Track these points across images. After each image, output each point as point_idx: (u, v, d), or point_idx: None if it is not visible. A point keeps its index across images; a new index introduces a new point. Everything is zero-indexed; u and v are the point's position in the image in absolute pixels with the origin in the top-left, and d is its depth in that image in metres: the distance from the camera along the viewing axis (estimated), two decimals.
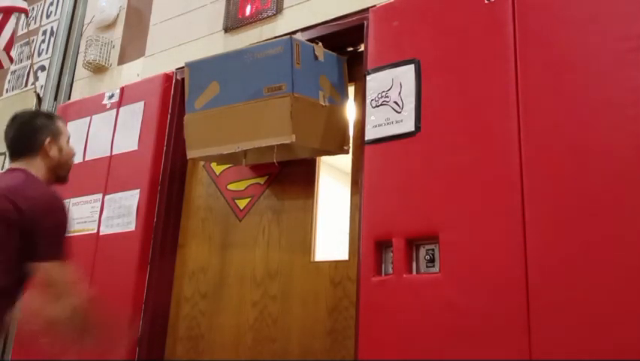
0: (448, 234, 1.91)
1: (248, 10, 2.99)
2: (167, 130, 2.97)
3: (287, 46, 2.39)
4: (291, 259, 2.58)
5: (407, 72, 2.17)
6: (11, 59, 3.84)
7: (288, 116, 2.30)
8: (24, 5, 3.83)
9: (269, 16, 2.89)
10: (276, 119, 2.34)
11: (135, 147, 2.97)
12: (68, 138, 1.94)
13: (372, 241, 2.08)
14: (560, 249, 1.71)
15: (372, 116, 2.22)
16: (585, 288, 1.64)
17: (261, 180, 2.77)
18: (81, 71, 3.82)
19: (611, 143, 1.70)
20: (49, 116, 1.97)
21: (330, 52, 2.54)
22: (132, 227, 2.81)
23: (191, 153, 2.61)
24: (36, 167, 1.83)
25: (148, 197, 2.83)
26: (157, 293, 2.76)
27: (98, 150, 3.13)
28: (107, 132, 3.13)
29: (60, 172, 1.90)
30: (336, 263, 2.48)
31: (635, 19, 1.75)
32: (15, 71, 4.25)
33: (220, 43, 3.05)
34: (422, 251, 2.01)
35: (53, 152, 1.87)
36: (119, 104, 3.16)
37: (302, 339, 2.45)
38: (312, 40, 2.58)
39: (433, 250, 1.98)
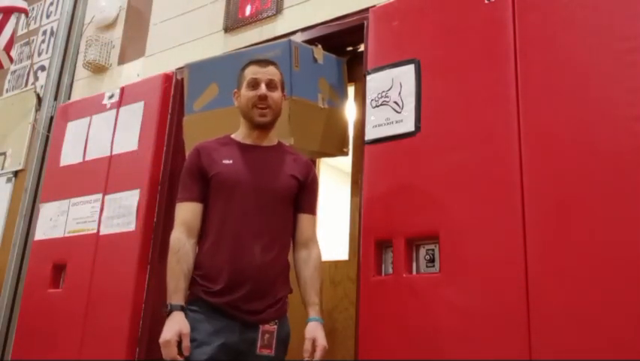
0: (448, 234, 1.91)
1: (248, 10, 2.99)
2: (167, 130, 2.97)
3: (285, 49, 2.39)
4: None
5: (407, 72, 2.17)
6: (11, 59, 3.84)
7: (287, 119, 2.30)
8: (24, 5, 3.83)
9: (269, 16, 2.89)
10: None
11: (135, 147, 2.97)
12: (250, 81, 1.88)
13: (372, 241, 2.08)
14: (560, 249, 1.70)
15: (372, 117, 2.22)
16: (585, 288, 1.64)
17: None
18: (81, 71, 3.82)
19: (611, 143, 1.70)
20: (244, 66, 1.95)
21: (329, 54, 2.54)
22: (132, 227, 2.81)
23: None
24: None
25: (148, 197, 2.83)
26: (157, 293, 2.76)
27: (98, 150, 3.13)
28: (107, 132, 3.13)
29: (248, 118, 1.90)
30: (336, 263, 2.49)
31: (635, 19, 1.75)
32: (15, 71, 4.24)
33: (220, 44, 3.05)
34: (422, 251, 2.01)
35: (237, 102, 1.93)
36: (119, 104, 3.16)
37: (302, 339, 2.45)
38: (312, 41, 2.58)
39: (433, 250, 1.98)
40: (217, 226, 1.81)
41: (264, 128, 1.90)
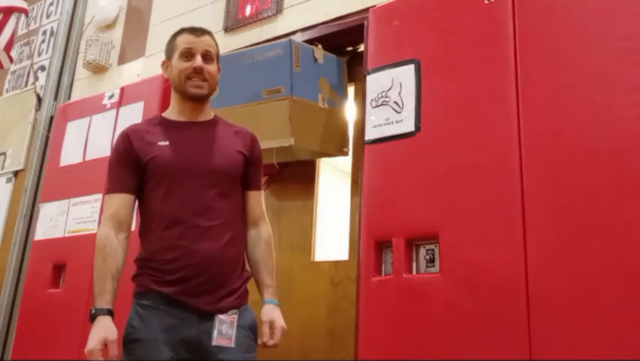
0: (448, 234, 1.91)
1: (248, 10, 2.99)
2: None
3: (286, 49, 2.39)
4: (291, 259, 2.58)
5: (407, 72, 2.17)
6: (11, 59, 3.84)
7: (287, 119, 2.30)
8: (24, 5, 3.83)
9: (269, 16, 2.89)
10: (275, 121, 2.34)
11: None
12: (184, 51, 1.69)
13: (372, 241, 2.08)
14: (560, 249, 1.71)
15: (372, 117, 2.22)
16: (585, 288, 1.64)
17: None
18: (81, 71, 3.82)
19: (611, 143, 1.70)
20: (175, 34, 1.76)
21: (329, 54, 2.54)
22: (132, 227, 2.80)
23: None
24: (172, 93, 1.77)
25: None
26: None
27: (98, 150, 3.13)
28: (107, 132, 3.13)
29: (180, 91, 1.72)
30: (336, 263, 2.48)
31: (635, 19, 1.75)
32: (15, 71, 4.25)
33: (220, 44, 3.01)
34: (422, 251, 2.01)
35: (168, 73, 1.76)
36: (119, 104, 3.16)
37: (302, 339, 2.45)
38: (311, 41, 2.58)
39: (433, 250, 1.98)
40: (162, 214, 1.66)
41: (198, 101, 1.72)
